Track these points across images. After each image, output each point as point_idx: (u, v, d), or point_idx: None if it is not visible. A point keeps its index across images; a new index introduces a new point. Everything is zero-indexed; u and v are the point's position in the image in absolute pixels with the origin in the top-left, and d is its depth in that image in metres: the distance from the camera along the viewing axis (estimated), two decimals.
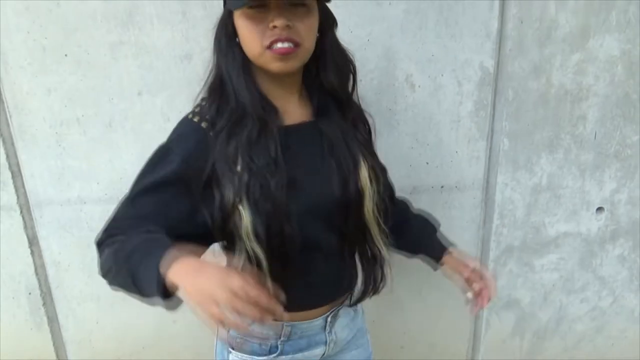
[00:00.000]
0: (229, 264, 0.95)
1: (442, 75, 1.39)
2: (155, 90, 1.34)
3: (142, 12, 1.28)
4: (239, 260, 0.90)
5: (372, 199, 0.96)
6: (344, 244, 0.98)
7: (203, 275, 0.70)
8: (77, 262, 1.52)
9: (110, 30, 1.29)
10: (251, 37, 0.84)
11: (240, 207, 0.85)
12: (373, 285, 1.05)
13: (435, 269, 1.20)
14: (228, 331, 0.95)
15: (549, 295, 1.68)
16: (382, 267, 1.04)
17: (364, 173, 0.95)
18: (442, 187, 1.51)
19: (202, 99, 0.95)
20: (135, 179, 0.90)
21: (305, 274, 0.94)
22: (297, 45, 0.84)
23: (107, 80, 1.34)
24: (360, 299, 1.08)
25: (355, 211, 0.95)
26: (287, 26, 0.81)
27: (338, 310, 1.06)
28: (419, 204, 1.50)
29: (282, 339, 1.01)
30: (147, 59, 1.32)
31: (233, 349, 1.02)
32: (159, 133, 1.37)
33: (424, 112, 1.42)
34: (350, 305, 1.09)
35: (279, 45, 0.82)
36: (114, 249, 0.83)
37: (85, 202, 1.44)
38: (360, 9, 1.31)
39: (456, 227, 1.56)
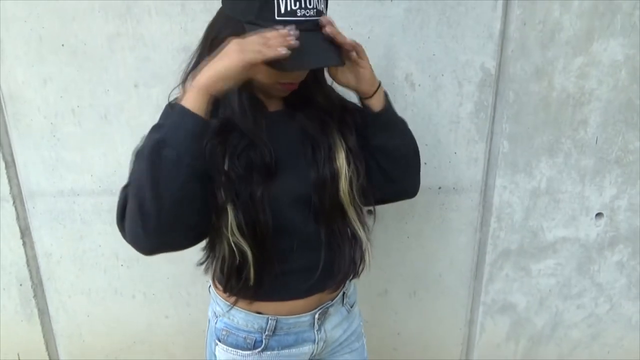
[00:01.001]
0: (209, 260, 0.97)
1: (442, 75, 1.38)
2: (151, 82, 1.33)
3: (141, 4, 1.27)
4: (221, 253, 0.91)
5: (347, 180, 0.95)
6: (321, 229, 0.98)
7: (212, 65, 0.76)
8: (68, 254, 1.50)
9: (107, 21, 1.28)
10: (270, 73, 0.84)
11: (228, 206, 0.85)
12: (353, 268, 1.03)
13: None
14: None
15: (545, 301, 1.66)
16: (361, 250, 1.03)
17: (341, 155, 0.95)
18: (439, 188, 1.50)
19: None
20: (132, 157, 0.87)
21: (282, 262, 0.94)
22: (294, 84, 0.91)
23: (104, 72, 1.32)
24: (341, 282, 1.04)
25: (330, 190, 0.95)
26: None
27: (328, 307, 1.05)
28: (416, 204, 1.50)
29: (266, 333, 1.00)
30: (144, 51, 1.31)
31: (219, 341, 1.03)
32: None
33: (423, 112, 1.40)
34: (334, 291, 1.05)
35: (288, 84, 0.89)
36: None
37: (78, 194, 1.43)
38: (361, 7, 1.30)
39: (453, 229, 1.55)
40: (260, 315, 0.99)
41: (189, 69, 0.93)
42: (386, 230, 1.53)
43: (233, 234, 0.86)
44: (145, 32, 1.29)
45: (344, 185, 0.95)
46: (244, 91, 0.87)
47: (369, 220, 1.05)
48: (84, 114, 1.35)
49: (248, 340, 1.01)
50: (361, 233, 1.01)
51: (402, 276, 1.60)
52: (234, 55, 0.75)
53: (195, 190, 0.79)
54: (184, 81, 0.93)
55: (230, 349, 1.02)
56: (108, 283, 1.55)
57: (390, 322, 1.67)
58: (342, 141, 0.97)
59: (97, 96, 1.34)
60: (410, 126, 1.41)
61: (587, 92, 1.42)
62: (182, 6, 1.27)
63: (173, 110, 0.78)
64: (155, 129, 0.79)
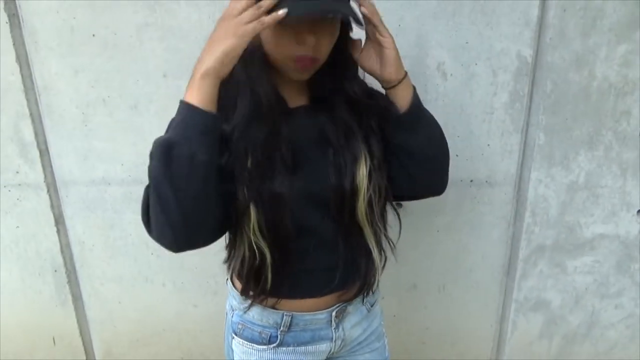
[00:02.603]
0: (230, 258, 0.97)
1: (475, 64, 1.33)
2: (180, 73, 1.33)
3: None
4: (242, 253, 0.90)
5: (365, 201, 0.92)
6: (340, 234, 0.96)
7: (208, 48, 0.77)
8: (100, 242, 1.53)
9: (137, 11, 1.28)
10: (279, 44, 0.82)
11: (250, 206, 0.84)
12: (364, 279, 1.00)
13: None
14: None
15: (581, 299, 1.60)
16: (373, 267, 1.00)
17: (362, 172, 0.91)
18: (471, 181, 1.45)
19: None
20: None
21: (300, 260, 0.93)
22: (316, 60, 0.85)
23: (133, 63, 1.33)
24: (356, 294, 1.02)
25: (347, 205, 0.92)
26: (314, 42, 0.81)
27: (346, 306, 1.02)
28: (446, 198, 1.46)
29: (282, 328, 0.99)
30: (172, 42, 1.31)
31: (236, 334, 1.03)
32: None
33: (455, 102, 1.36)
34: (351, 299, 1.02)
35: (302, 59, 0.83)
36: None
37: (109, 184, 1.45)
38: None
39: (485, 223, 1.50)
40: (276, 311, 0.98)
41: None
42: (415, 223, 1.49)
43: (254, 234, 0.86)
44: (174, 22, 1.29)
45: (361, 205, 0.92)
46: (262, 85, 0.85)
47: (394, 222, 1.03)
48: (115, 104, 1.37)
49: (263, 335, 1.00)
50: (375, 252, 0.98)
51: (431, 270, 1.56)
52: (231, 36, 0.74)
53: (215, 185, 0.79)
54: None
55: (246, 342, 1.01)
56: (138, 271, 1.58)
57: (419, 317, 1.64)
58: (367, 154, 0.92)
59: (127, 86, 1.35)
60: (442, 117, 1.37)
61: (631, 82, 1.35)
62: None
63: (180, 107, 0.78)
64: (167, 128, 0.80)
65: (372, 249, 0.97)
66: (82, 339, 1.69)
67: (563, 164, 1.44)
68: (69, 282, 1.60)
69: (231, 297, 1.06)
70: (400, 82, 0.92)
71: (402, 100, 0.93)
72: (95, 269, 1.58)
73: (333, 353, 1.06)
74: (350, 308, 1.04)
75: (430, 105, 1.35)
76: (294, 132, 0.89)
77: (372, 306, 1.10)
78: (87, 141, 1.41)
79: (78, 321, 1.66)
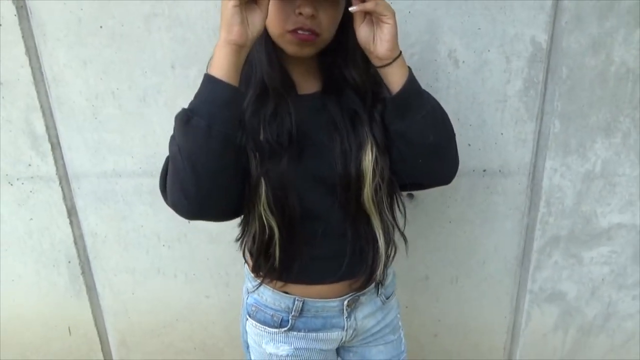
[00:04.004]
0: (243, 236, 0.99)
1: (488, 50, 1.30)
2: (188, 63, 1.32)
3: None
4: (253, 228, 0.92)
5: (371, 187, 0.91)
6: (347, 222, 0.96)
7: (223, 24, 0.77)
8: (112, 234, 1.54)
9: (144, 1, 1.27)
10: (276, 17, 0.83)
11: (262, 180, 0.86)
12: (371, 267, 0.99)
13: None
14: None
15: (598, 290, 1.57)
16: (378, 256, 0.98)
17: (368, 157, 0.90)
18: (484, 170, 1.42)
19: None
20: None
21: (308, 245, 0.94)
22: (316, 35, 0.83)
23: (141, 53, 1.32)
24: (365, 282, 1.01)
25: (353, 191, 0.92)
26: (312, 15, 0.81)
27: (359, 295, 1.03)
28: (459, 188, 1.44)
29: (293, 313, 1.01)
30: (180, 32, 1.29)
31: (249, 316, 1.05)
32: None
33: (467, 90, 1.33)
34: (366, 283, 1.01)
35: (300, 32, 0.82)
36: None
37: (120, 176, 1.46)
38: None
39: (498, 214, 1.48)
40: (287, 295, 1.00)
41: None
42: (427, 214, 1.47)
43: (264, 209, 0.87)
44: (180, 11, 1.27)
45: (367, 191, 0.92)
46: (268, 67, 0.87)
47: (402, 218, 1.02)
48: (124, 96, 1.37)
49: (275, 318, 1.02)
50: (380, 241, 0.97)
51: (443, 262, 1.55)
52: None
53: (231, 158, 0.81)
54: None
55: (258, 324, 1.04)
56: (151, 263, 1.59)
57: (431, 309, 1.62)
58: (372, 140, 0.91)
59: (135, 78, 1.35)
60: (454, 105, 1.36)
61: None
62: None
63: (203, 79, 0.79)
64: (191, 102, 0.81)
65: (378, 238, 0.97)
66: (97, 329, 1.71)
67: (579, 152, 1.40)
68: (83, 273, 1.61)
69: (247, 280, 1.08)
70: (394, 60, 0.86)
71: (395, 80, 0.87)
72: (108, 260, 1.59)
73: (345, 342, 1.07)
74: (363, 298, 1.04)
75: (442, 93, 1.33)
76: (302, 116, 0.89)
77: (387, 298, 1.10)
78: (97, 133, 1.41)
79: (92, 312, 1.67)
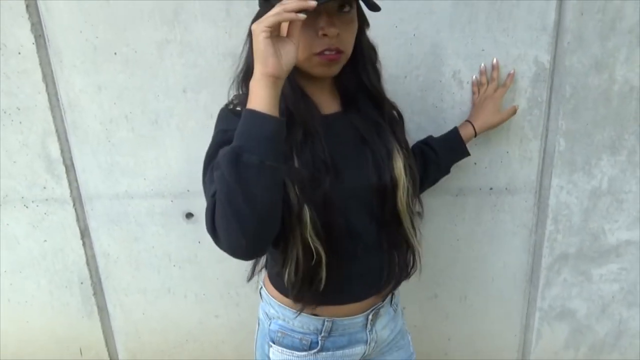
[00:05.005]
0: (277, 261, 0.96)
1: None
2: (199, 87, 1.36)
3: (187, 10, 1.29)
4: (294, 255, 0.90)
5: (405, 190, 0.96)
6: (382, 233, 0.98)
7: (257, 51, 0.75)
8: (124, 254, 1.56)
9: (156, 28, 1.31)
10: (300, 43, 0.82)
11: (305, 206, 0.85)
12: (406, 272, 1.05)
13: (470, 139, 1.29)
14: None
15: (608, 308, 1.56)
16: (413, 254, 1.04)
17: (399, 164, 0.95)
18: (490, 189, 1.44)
19: (235, 96, 0.97)
20: (203, 165, 0.90)
21: (348, 266, 0.94)
22: (341, 52, 0.86)
23: (154, 78, 1.36)
24: (395, 286, 1.06)
25: (389, 198, 0.95)
26: (337, 34, 0.84)
27: (379, 308, 1.05)
28: (466, 206, 1.45)
29: (322, 334, 1.01)
30: (191, 57, 1.33)
31: (274, 343, 1.03)
32: (202, 130, 1.39)
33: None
34: (387, 294, 1.07)
35: (327, 52, 0.85)
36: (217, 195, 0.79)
37: (132, 197, 1.49)
38: (406, 3, 1.27)
39: (506, 231, 1.48)
40: (317, 317, 1.00)
41: (239, 70, 0.97)
42: (435, 232, 1.48)
43: (310, 235, 0.86)
44: (191, 38, 1.32)
45: (401, 195, 0.95)
46: (290, 93, 0.87)
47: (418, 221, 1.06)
48: (136, 120, 1.40)
49: (304, 342, 1.01)
50: (413, 240, 1.01)
51: (452, 280, 1.55)
52: (257, 30, 0.74)
53: (281, 190, 0.80)
54: (239, 83, 0.97)
55: (285, 350, 1.02)
56: (162, 283, 1.60)
57: (441, 327, 1.62)
58: (398, 145, 0.97)
59: (148, 102, 1.38)
60: (459, 125, 1.38)
61: None
62: (226, 11, 1.29)
63: (244, 114, 0.77)
64: (235, 137, 0.78)
65: (410, 237, 1.01)
66: (108, 349, 1.72)
67: (585, 170, 1.41)
68: (95, 294, 1.63)
69: (267, 305, 1.07)
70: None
71: (469, 138, 1.25)
72: (120, 281, 1.61)
73: (366, 355, 1.08)
74: (382, 310, 1.07)
75: (447, 113, 1.36)
76: (332, 137, 0.91)
77: (397, 306, 1.14)
78: (111, 156, 1.44)
79: (104, 332, 1.69)
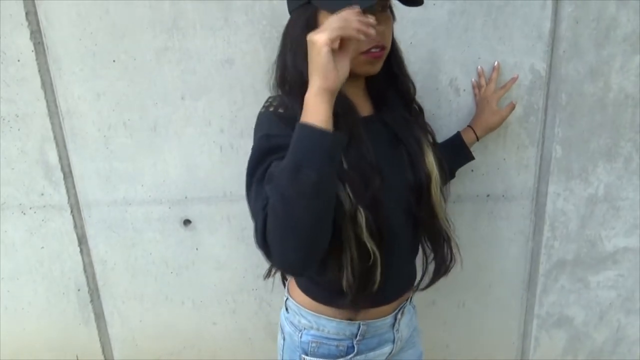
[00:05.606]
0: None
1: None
2: (197, 94, 1.36)
3: (186, 18, 1.30)
4: (349, 258, 0.88)
5: (437, 182, 0.97)
6: (417, 232, 1.00)
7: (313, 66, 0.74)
8: (121, 261, 1.56)
9: (155, 36, 1.32)
10: None
11: (359, 208, 0.84)
12: (444, 265, 1.05)
13: (472, 144, 1.31)
14: None
15: (606, 315, 1.56)
16: (450, 248, 1.05)
17: (430, 158, 0.97)
18: (487, 196, 1.44)
19: (272, 98, 0.94)
20: (248, 174, 0.86)
21: (387, 267, 0.92)
22: (384, 48, 0.88)
23: (153, 85, 1.37)
24: (432, 282, 1.08)
25: (425, 193, 0.96)
26: (382, 32, 0.86)
27: (404, 307, 1.07)
28: (463, 213, 1.45)
29: (357, 338, 1.01)
30: (190, 64, 1.34)
31: (307, 354, 1.02)
32: (200, 137, 1.40)
33: (469, 118, 1.36)
34: (423, 289, 1.09)
35: (373, 50, 0.86)
36: (270, 207, 0.76)
37: (130, 204, 1.49)
38: (403, 11, 1.26)
39: (503, 238, 1.49)
40: (352, 322, 1.00)
41: (277, 75, 0.94)
42: None
43: (366, 236, 0.85)
44: (190, 45, 1.33)
45: (435, 188, 0.97)
46: (338, 98, 0.83)
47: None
48: (135, 127, 1.41)
49: (340, 348, 1.01)
50: (449, 231, 1.03)
51: (450, 286, 1.54)
52: (319, 42, 0.71)
53: (334, 202, 0.78)
54: (276, 87, 0.95)
55: None
56: (159, 290, 1.60)
57: (439, 333, 1.62)
58: (425, 138, 1.00)
59: (146, 109, 1.39)
60: (456, 132, 1.39)
61: None
62: (225, 19, 1.30)
63: (302, 129, 0.74)
64: (291, 151, 0.75)
65: (446, 228, 1.02)
66: (105, 356, 1.71)
67: (581, 177, 1.42)
68: (92, 301, 1.63)
69: (297, 316, 1.04)
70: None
71: (472, 143, 1.27)
72: (117, 288, 1.61)
73: (392, 355, 1.09)
74: (406, 309, 1.08)
75: (444, 120, 1.36)
76: (371, 139, 0.90)
77: (413, 304, 1.16)
78: (109, 163, 1.45)
79: (101, 339, 1.68)
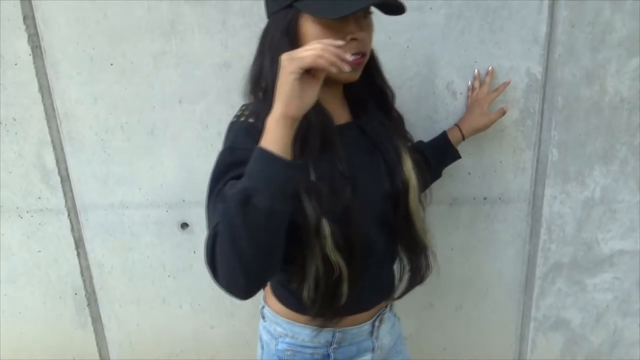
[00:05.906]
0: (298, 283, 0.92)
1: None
2: (195, 98, 1.37)
3: (184, 22, 1.31)
4: (313, 272, 0.87)
5: (415, 189, 0.96)
6: (392, 241, 0.99)
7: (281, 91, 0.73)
8: (119, 264, 1.56)
9: (153, 40, 1.33)
10: None
11: (323, 220, 0.82)
12: (419, 275, 1.04)
13: (459, 143, 1.30)
14: None
15: (603, 317, 1.56)
16: (426, 257, 1.03)
17: (408, 165, 0.96)
18: (484, 198, 1.45)
19: (245, 106, 0.92)
20: (209, 185, 0.84)
21: (361, 277, 0.90)
22: (364, 55, 0.88)
23: (150, 89, 1.37)
24: (406, 291, 1.07)
25: (402, 201, 0.95)
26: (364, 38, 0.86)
27: (383, 314, 1.05)
28: (460, 216, 1.46)
29: (333, 346, 1.00)
30: (187, 68, 1.35)
31: None
32: (198, 141, 1.40)
33: None
34: (397, 298, 1.08)
35: (354, 57, 0.84)
36: (221, 229, 0.74)
37: (127, 207, 1.49)
38: (399, 15, 1.28)
39: (500, 241, 1.49)
40: (327, 329, 0.97)
41: (252, 80, 0.92)
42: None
43: (330, 249, 0.83)
44: (188, 49, 1.33)
45: (412, 195, 0.96)
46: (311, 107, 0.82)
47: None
48: (132, 130, 1.41)
49: (316, 356, 1.00)
50: (426, 239, 1.01)
51: (447, 289, 1.55)
52: (288, 68, 0.70)
53: (286, 229, 0.76)
54: (248, 93, 0.93)
55: None
56: (156, 293, 1.60)
57: (436, 336, 1.62)
58: (403, 144, 0.99)
59: (144, 112, 1.39)
60: None
61: None
62: (222, 23, 1.30)
63: (259, 154, 0.73)
64: (246, 175, 0.74)
65: (422, 237, 1.00)
66: None
67: (578, 180, 1.42)
68: (89, 304, 1.63)
69: (273, 324, 1.04)
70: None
71: (458, 142, 1.27)
72: (114, 291, 1.60)
73: None
74: (385, 316, 1.07)
75: (441, 124, 1.37)
76: (346, 147, 0.89)
77: (395, 312, 1.15)
78: (106, 166, 1.45)
79: (98, 343, 1.68)
